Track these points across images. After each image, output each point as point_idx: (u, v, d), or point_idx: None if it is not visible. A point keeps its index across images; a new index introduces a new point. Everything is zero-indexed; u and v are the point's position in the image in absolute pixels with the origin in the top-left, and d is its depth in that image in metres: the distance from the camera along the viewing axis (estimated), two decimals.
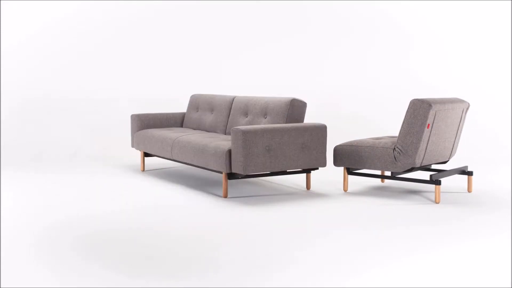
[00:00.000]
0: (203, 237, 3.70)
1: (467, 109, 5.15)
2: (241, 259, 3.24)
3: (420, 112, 4.59)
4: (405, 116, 4.66)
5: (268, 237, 3.69)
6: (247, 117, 5.67)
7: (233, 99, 5.98)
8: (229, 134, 5.81)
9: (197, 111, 6.43)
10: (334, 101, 7.30)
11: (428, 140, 4.72)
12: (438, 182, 4.66)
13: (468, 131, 6.91)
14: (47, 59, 7.76)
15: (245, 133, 4.62)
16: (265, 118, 5.44)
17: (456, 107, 4.88)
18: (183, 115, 6.67)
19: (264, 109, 5.47)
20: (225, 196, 4.88)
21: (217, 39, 7.82)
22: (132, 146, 6.43)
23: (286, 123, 5.22)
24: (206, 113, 6.28)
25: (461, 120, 5.09)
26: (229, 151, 4.73)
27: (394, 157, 4.74)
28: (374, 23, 7.50)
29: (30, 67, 7.76)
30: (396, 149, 4.73)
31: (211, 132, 6.04)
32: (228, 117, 5.91)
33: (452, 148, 5.16)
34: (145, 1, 7.75)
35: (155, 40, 7.85)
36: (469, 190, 5.14)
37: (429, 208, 4.53)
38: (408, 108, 4.66)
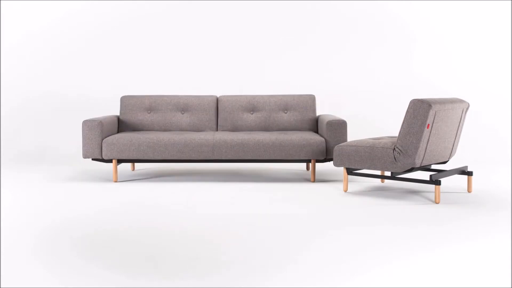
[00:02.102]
0: (203, 237, 3.70)
1: (467, 109, 5.15)
2: (241, 258, 3.24)
3: (420, 112, 4.59)
4: (405, 116, 4.66)
5: (267, 236, 3.69)
6: (252, 113, 6.31)
7: (216, 98, 6.38)
8: (222, 130, 6.25)
9: (149, 113, 6.28)
10: (334, 101, 7.30)
11: (428, 140, 4.72)
12: (438, 182, 4.66)
13: (468, 131, 6.91)
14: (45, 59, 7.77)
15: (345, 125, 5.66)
16: (286, 113, 6.29)
17: (456, 107, 4.88)
18: (115, 118, 6.18)
19: (283, 105, 6.31)
20: (313, 181, 5.66)
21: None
22: (87, 156, 5.64)
23: (316, 116, 6.32)
24: (173, 113, 6.28)
25: (461, 120, 5.09)
26: (325, 141, 5.61)
27: (394, 157, 4.74)
28: (374, 24, 7.50)
29: (30, 65, 7.77)
30: (396, 149, 4.73)
31: (196, 131, 6.17)
32: (217, 116, 6.31)
33: (452, 148, 5.16)
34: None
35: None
36: (469, 190, 5.14)
37: (429, 208, 4.53)
38: (408, 108, 4.66)
